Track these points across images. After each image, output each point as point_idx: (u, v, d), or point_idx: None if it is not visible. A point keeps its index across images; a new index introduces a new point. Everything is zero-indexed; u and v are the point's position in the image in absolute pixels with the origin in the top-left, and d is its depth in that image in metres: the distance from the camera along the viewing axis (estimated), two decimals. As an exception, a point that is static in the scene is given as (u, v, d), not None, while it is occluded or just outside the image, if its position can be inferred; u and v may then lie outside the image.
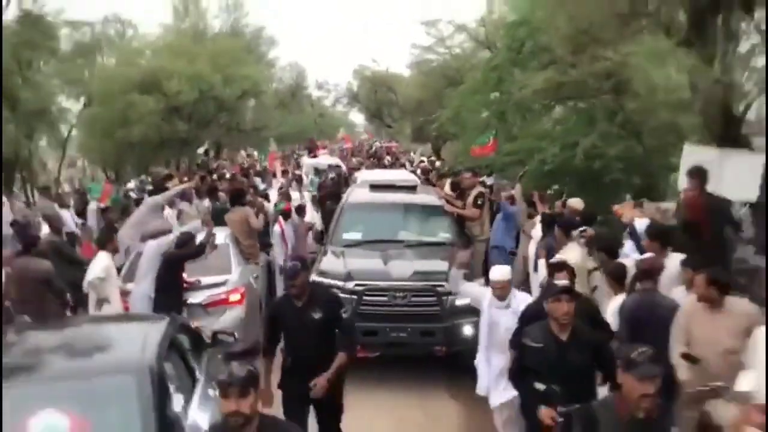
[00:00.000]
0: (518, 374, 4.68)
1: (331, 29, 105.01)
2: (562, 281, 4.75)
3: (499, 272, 5.80)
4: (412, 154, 27.94)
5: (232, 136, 28.35)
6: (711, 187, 6.85)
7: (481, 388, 5.88)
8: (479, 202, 9.77)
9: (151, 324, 5.04)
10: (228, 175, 16.62)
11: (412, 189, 10.60)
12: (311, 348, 5.07)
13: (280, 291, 9.04)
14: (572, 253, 6.49)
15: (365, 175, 14.12)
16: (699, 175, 6.71)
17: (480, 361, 5.90)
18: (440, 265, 7.87)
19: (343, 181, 17.16)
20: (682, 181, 7.57)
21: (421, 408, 7.03)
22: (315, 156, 25.87)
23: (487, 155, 11.79)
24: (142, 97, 21.58)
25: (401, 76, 40.33)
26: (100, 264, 7.06)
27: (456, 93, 15.14)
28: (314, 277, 7.44)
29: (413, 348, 7.66)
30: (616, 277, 5.72)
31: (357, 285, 7.61)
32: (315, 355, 5.08)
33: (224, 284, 7.41)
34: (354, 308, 7.32)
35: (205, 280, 7.40)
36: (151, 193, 10.99)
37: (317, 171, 19.92)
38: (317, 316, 5.04)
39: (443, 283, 7.54)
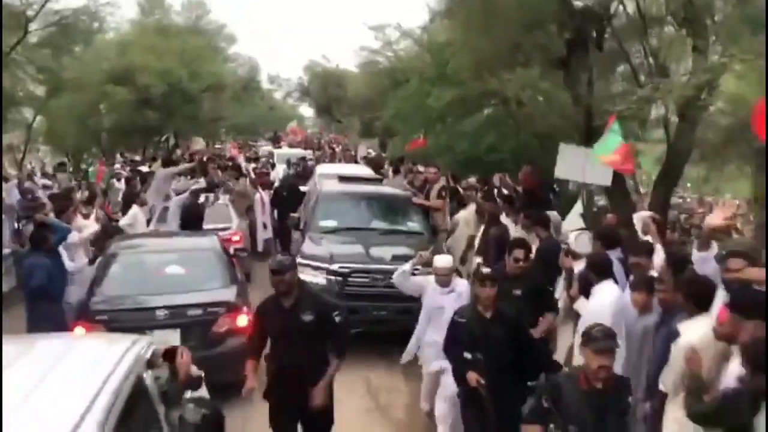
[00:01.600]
0: (451, 346, 5.36)
1: (283, 25, 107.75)
2: (486, 269, 5.42)
3: (443, 261, 6.42)
4: (359, 146, 31.34)
5: (192, 126, 31.31)
6: (579, 175, 10.52)
7: (405, 355, 6.50)
8: (442, 194, 11.08)
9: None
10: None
11: (378, 181, 12.03)
12: (301, 355, 4.87)
13: (260, 240, 12.37)
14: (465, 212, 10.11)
15: (324, 169, 15.17)
16: (534, 166, 10.55)
17: (415, 335, 6.45)
18: (412, 250, 8.36)
19: (308, 173, 18.55)
20: (558, 170, 11.27)
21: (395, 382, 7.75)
22: (279, 146, 28.94)
23: (420, 148, 15.54)
24: (116, 88, 24.44)
25: (351, 73, 43.49)
26: (131, 213, 10.39)
27: (397, 96, 18.83)
28: (298, 260, 8.09)
29: (392, 325, 8.33)
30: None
31: (341, 267, 8.49)
32: (305, 363, 4.89)
33: (228, 229, 10.80)
34: (339, 289, 8.28)
35: (214, 226, 10.77)
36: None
37: (289, 162, 21.35)
38: (307, 318, 4.88)
39: (419, 266, 7.93)
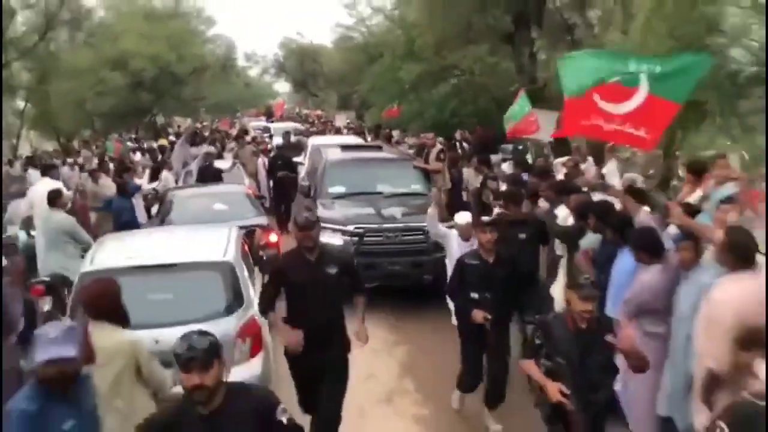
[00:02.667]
0: (457, 286, 5.89)
1: (257, 2, 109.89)
2: (486, 217, 6.20)
3: (463, 217, 6.93)
4: (337, 117, 34.00)
5: (178, 106, 33.85)
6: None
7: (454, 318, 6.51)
8: (441, 157, 12.04)
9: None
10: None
11: (378, 148, 12.96)
12: (326, 308, 5.01)
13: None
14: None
15: (318, 140, 16.09)
16: (484, 127, 13.47)
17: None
18: (421, 209, 9.10)
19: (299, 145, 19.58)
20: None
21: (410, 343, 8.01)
22: (272, 121, 31.53)
23: (394, 117, 18.47)
24: (112, 74, 26.92)
25: (326, 48, 45.82)
26: (163, 176, 13.14)
27: (372, 71, 21.66)
28: None
29: (406, 278, 9.19)
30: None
31: (356, 228, 9.20)
32: (329, 318, 5.04)
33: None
34: (356, 248, 8.96)
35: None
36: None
37: (287, 134, 22.21)
38: (332, 271, 5.04)
39: (425, 223, 8.48)
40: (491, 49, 16.23)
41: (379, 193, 10.26)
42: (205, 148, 14.94)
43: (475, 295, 5.67)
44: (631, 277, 5.04)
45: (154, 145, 19.99)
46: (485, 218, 6.26)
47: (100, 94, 27.37)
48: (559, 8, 17.30)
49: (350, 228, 9.27)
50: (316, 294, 4.93)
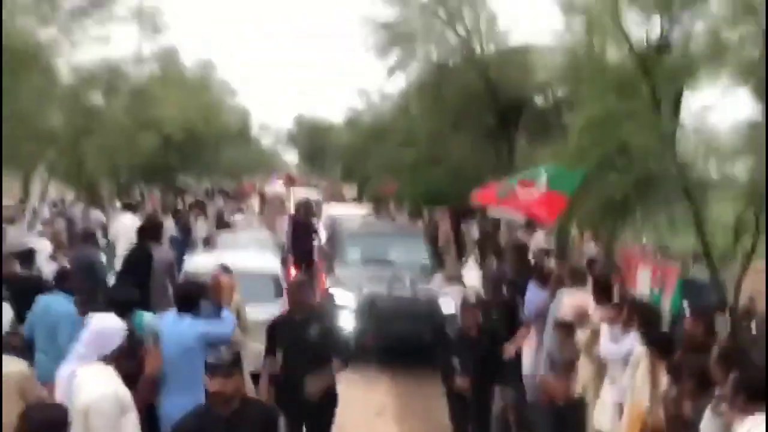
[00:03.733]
0: (443, 350, 7.02)
1: (277, 79, 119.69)
2: (470, 298, 7.44)
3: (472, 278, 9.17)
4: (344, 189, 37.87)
5: (201, 168, 37.66)
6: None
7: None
8: (448, 233, 15.34)
9: None
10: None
11: (391, 221, 15.31)
12: (307, 362, 5.61)
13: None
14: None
15: (332, 210, 18.86)
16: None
17: None
18: (428, 280, 10.76)
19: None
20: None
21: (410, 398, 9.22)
22: (292, 186, 35.29)
23: (391, 193, 22.18)
24: (145, 134, 30.62)
25: (336, 124, 50.27)
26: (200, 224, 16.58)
27: (377, 152, 25.48)
28: (331, 286, 10.70)
29: (412, 341, 10.15)
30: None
31: (369, 292, 10.52)
32: (310, 370, 5.61)
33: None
34: (367, 310, 10.20)
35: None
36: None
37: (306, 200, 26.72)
38: (314, 331, 5.60)
39: (433, 293, 10.28)
40: (474, 141, 20.03)
41: (391, 261, 11.66)
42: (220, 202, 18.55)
43: (456, 363, 6.72)
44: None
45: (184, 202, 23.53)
46: (471, 299, 7.49)
47: (131, 151, 30.96)
48: (538, 111, 21.12)
49: (364, 291, 10.54)
50: (300, 352, 5.60)
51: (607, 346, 6.28)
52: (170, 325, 5.05)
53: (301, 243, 15.41)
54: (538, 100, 20.63)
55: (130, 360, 3.98)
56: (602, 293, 7.20)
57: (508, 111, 19.76)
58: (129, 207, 13.78)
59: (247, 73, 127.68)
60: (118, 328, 4.02)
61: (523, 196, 10.04)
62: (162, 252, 7.52)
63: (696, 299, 11.48)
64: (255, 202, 24.05)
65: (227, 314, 5.59)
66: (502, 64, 19.24)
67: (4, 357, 4.27)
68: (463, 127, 20.19)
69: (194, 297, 5.40)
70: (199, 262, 8.39)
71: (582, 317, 6.97)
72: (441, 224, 15.86)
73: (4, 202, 19.32)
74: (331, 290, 10.73)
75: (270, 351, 5.86)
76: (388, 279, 10.83)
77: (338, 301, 10.40)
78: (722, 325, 10.06)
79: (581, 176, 10.02)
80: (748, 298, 13.96)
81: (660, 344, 5.51)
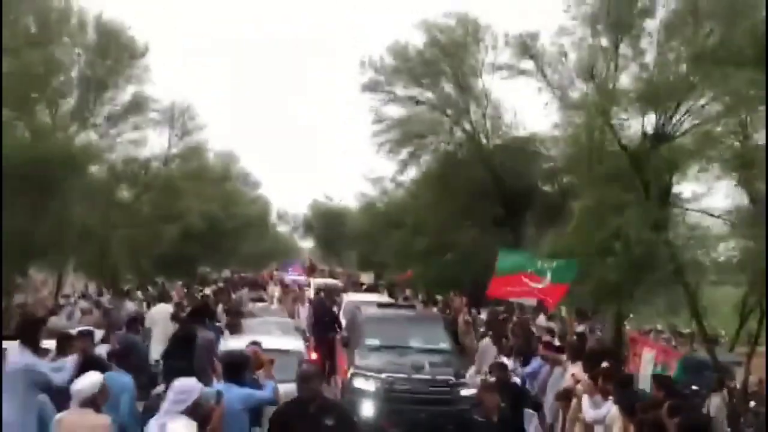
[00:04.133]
0: None
1: (292, 166, 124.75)
2: (491, 378, 7.51)
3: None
4: (362, 277, 38.96)
5: (219, 257, 39.16)
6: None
7: None
8: (467, 320, 14.65)
9: None
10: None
11: (412, 307, 15.22)
12: None
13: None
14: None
15: (351, 297, 18.94)
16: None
17: None
18: (447, 364, 10.83)
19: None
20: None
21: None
22: (313, 274, 36.40)
23: (408, 278, 23.35)
24: (167, 226, 32.17)
25: (350, 210, 51.71)
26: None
27: (391, 241, 26.78)
28: (352, 371, 10.72)
29: (430, 426, 9.99)
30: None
31: (389, 376, 10.38)
32: None
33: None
34: (386, 394, 10.18)
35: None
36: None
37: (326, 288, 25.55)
38: (330, 423, 5.39)
39: (451, 377, 10.48)
40: (483, 229, 21.28)
41: (410, 347, 11.57)
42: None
43: None
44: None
45: (207, 290, 24.66)
46: (490, 379, 7.54)
47: (154, 243, 32.51)
48: (542, 199, 22.45)
49: (383, 376, 10.46)
50: None
51: (588, 411, 7.24)
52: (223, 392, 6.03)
53: (321, 328, 15.76)
54: (542, 188, 21.87)
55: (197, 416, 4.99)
56: (591, 363, 8.14)
57: (513, 200, 21.09)
58: (162, 298, 15.00)
59: (265, 158, 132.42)
60: (195, 386, 5.09)
61: (533, 284, 11.42)
62: (204, 333, 8.66)
63: (696, 377, 12.35)
64: (275, 290, 25.14)
65: (269, 383, 6.57)
66: (506, 156, 20.63)
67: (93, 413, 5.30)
68: (471, 215, 21.49)
69: (240, 367, 6.43)
70: (233, 343, 9.42)
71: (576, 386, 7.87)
72: (458, 310, 16.00)
73: (40, 295, 20.58)
74: (351, 375, 10.86)
75: None
76: (407, 364, 10.86)
77: (357, 385, 10.55)
78: (719, 402, 10.90)
79: (577, 267, 11.32)
80: (759, 378, 14.64)
81: (626, 405, 6.48)
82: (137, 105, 20.50)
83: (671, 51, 16.71)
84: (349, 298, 18.74)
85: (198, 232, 33.30)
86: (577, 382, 7.99)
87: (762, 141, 14.50)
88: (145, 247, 32.86)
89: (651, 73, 16.54)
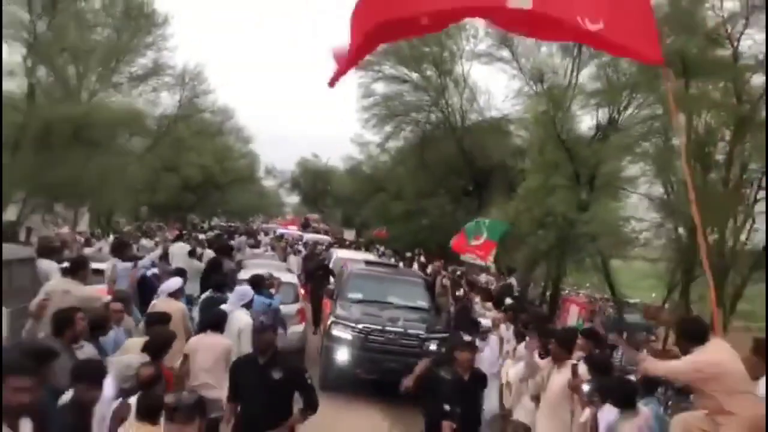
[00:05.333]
0: (430, 397, 6.79)
1: (283, 122, 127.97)
2: (466, 337, 7.22)
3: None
4: (345, 234, 42.80)
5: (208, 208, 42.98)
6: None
7: None
8: (444, 283, 14.65)
9: None
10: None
11: (395, 266, 16.33)
12: (265, 406, 5.59)
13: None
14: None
15: (342, 254, 19.97)
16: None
17: None
18: (419, 320, 11.61)
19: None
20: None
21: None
22: (306, 229, 39.97)
23: (383, 237, 27.20)
24: (168, 174, 35.64)
25: (337, 170, 54.94)
26: None
27: (373, 203, 30.60)
28: (331, 320, 11.74)
29: (400, 375, 9.24)
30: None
31: (365, 327, 11.25)
32: (268, 414, 5.58)
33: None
34: (361, 343, 11.07)
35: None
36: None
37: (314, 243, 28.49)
38: (277, 376, 5.59)
39: (422, 332, 11.25)
40: (452, 199, 25.03)
41: (390, 303, 12.40)
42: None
43: (446, 407, 6.50)
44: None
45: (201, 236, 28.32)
46: (466, 338, 7.26)
47: (153, 189, 36.05)
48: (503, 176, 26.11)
49: (359, 326, 11.36)
50: (258, 394, 5.59)
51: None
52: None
53: (314, 281, 17.20)
54: (508, 165, 25.51)
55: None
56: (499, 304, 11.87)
57: (480, 174, 24.82)
58: (180, 237, 18.51)
59: (259, 112, 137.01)
60: (250, 291, 8.77)
61: (473, 242, 15.12)
62: (228, 262, 12.39)
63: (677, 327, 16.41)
64: (266, 239, 28.75)
65: (277, 297, 10.32)
66: (477, 135, 24.30)
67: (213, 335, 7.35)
68: (443, 187, 25.22)
69: (261, 283, 10.08)
70: (250, 271, 12.86)
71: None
72: (437, 272, 17.23)
73: (61, 230, 24.03)
74: (330, 324, 11.93)
75: (232, 395, 5.93)
76: (384, 317, 11.74)
77: (335, 333, 11.61)
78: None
79: (506, 229, 14.99)
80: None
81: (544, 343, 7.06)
82: (155, 69, 23.81)
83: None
84: (339, 254, 20.11)
85: (195, 183, 36.94)
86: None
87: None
88: (145, 195, 36.54)
89: (605, 73, 20.23)
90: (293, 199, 72.79)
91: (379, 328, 11.37)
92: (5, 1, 16.28)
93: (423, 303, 12.77)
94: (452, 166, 24.78)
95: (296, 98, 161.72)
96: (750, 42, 17.32)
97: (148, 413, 4.68)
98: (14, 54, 17.55)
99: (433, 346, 11.15)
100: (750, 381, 5.12)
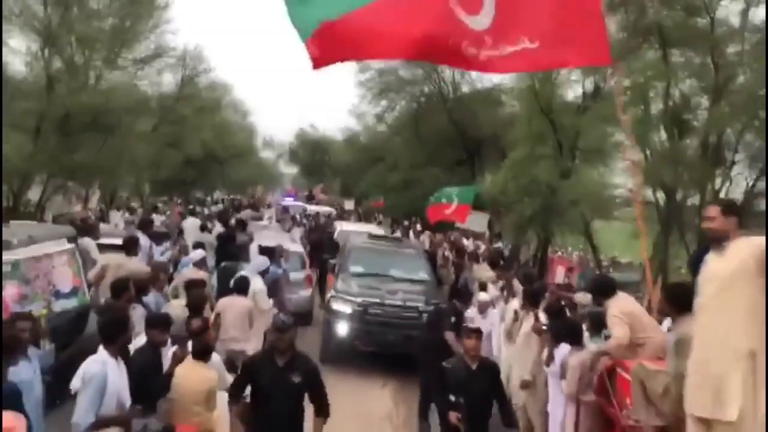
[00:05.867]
0: (439, 390, 6.79)
1: (280, 93, 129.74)
2: (472, 325, 7.15)
3: (483, 296, 10.24)
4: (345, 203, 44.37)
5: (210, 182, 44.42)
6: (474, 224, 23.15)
7: None
8: (445, 255, 16.00)
9: None
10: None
11: (398, 240, 16.25)
12: (284, 411, 5.54)
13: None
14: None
15: (345, 226, 20.46)
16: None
17: None
18: (419, 293, 11.78)
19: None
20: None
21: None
22: (314, 203, 41.40)
23: (380, 206, 28.77)
24: (171, 150, 36.89)
25: (335, 141, 56.29)
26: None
27: (372, 172, 32.08)
28: (331, 293, 11.94)
29: (399, 347, 10.97)
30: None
31: (364, 300, 11.40)
32: (287, 420, 5.57)
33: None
34: (360, 316, 11.21)
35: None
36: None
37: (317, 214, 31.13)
38: (297, 380, 5.51)
39: (421, 305, 11.30)
40: (446, 169, 26.50)
41: (390, 276, 12.55)
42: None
43: (452, 398, 6.47)
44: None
45: (206, 211, 29.85)
46: (472, 326, 7.05)
47: (156, 165, 37.39)
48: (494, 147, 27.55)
49: (359, 300, 11.49)
50: (278, 398, 5.50)
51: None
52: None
53: (320, 253, 17.32)
54: (499, 135, 26.88)
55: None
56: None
57: (472, 144, 26.29)
58: (192, 213, 20.06)
59: (257, 82, 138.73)
60: (266, 261, 10.35)
61: (446, 211, 16.76)
62: (242, 235, 13.99)
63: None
64: (270, 212, 30.36)
65: (286, 267, 12.01)
66: (469, 106, 25.71)
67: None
68: (437, 157, 26.68)
69: (273, 254, 11.65)
70: (262, 242, 14.19)
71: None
72: (438, 245, 18.31)
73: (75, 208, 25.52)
74: (330, 298, 12.05)
75: (240, 387, 5.81)
76: (383, 290, 11.85)
77: (335, 307, 11.68)
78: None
79: (476, 192, 16.68)
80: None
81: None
82: (158, 52, 25.01)
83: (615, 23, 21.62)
84: (343, 227, 20.31)
85: (196, 159, 38.21)
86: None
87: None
88: (151, 172, 37.91)
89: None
90: (292, 170, 74.28)
91: (378, 301, 11.55)
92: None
93: (424, 275, 12.99)
94: (446, 137, 26.18)
95: (294, 69, 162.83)
96: (726, 12, 18.52)
97: (201, 354, 6.28)
98: (30, 42, 18.97)
99: None
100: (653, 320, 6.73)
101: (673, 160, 18.71)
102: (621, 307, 6.54)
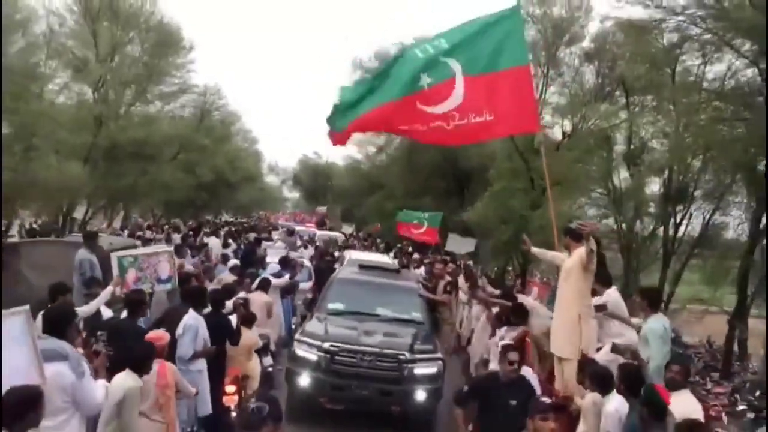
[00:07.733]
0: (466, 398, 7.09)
1: (285, 122, 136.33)
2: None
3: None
4: (344, 228, 47.75)
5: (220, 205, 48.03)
6: (456, 248, 26.48)
7: None
8: (447, 289, 13.27)
9: None
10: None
11: (395, 272, 13.84)
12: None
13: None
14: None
15: (354, 255, 17.54)
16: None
17: None
18: (405, 337, 10.14)
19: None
20: (448, 245, 27.27)
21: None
22: (323, 228, 44.22)
23: (378, 231, 32.29)
24: (184, 175, 40.35)
25: (337, 167, 59.98)
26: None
27: (371, 200, 35.62)
28: (296, 337, 10.41)
29: (373, 405, 9.64)
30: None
31: (332, 346, 9.73)
32: None
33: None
34: (326, 365, 9.58)
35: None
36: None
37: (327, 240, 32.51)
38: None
39: (404, 353, 9.71)
40: (436, 198, 29.94)
41: (377, 315, 10.99)
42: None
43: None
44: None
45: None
46: (506, 342, 8.04)
47: (168, 188, 40.83)
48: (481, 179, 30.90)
49: (326, 345, 9.77)
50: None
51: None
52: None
53: (323, 275, 16.05)
54: (484, 168, 30.14)
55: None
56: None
57: (462, 176, 29.79)
58: (215, 233, 23.54)
59: (263, 111, 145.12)
60: (277, 267, 13.92)
61: (415, 231, 20.21)
62: (258, 251, 17.55)
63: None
64: (275, 234, 33.58)
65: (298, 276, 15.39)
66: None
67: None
68: (430, 187, 30.20)
69: (288, 264, 15.14)
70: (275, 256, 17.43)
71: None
72: (440, 276, 15.32)
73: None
74: (294, 342, 10.44)
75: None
76: (360, 333, 10.26)
77: (299, 353, 10.04)
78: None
79: (441, 217, 20.60)
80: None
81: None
82: (183, 88, 28.73)
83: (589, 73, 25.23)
84: (352, 256, 17.26)
85: (208, 183, 41.71)
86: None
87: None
88: (164, 193, 41.34)
89: (568, 89, 25.09)
90: (294, 195, 78.07)
91: (348, 346, 9.89)
92: (76, 43, 21.58)
93: (418, 315, 11.48)
94: (437, 168, 29.67)
95: (299, 99, 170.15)
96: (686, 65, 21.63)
97: (248, 323, 9.74)
98: (78, 83, 22.79)
99: (419, 370, 9.96)
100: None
101: (633, 196, 22.28)
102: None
